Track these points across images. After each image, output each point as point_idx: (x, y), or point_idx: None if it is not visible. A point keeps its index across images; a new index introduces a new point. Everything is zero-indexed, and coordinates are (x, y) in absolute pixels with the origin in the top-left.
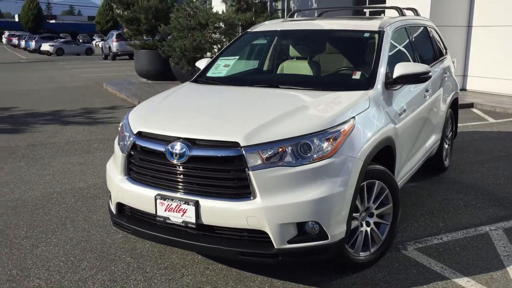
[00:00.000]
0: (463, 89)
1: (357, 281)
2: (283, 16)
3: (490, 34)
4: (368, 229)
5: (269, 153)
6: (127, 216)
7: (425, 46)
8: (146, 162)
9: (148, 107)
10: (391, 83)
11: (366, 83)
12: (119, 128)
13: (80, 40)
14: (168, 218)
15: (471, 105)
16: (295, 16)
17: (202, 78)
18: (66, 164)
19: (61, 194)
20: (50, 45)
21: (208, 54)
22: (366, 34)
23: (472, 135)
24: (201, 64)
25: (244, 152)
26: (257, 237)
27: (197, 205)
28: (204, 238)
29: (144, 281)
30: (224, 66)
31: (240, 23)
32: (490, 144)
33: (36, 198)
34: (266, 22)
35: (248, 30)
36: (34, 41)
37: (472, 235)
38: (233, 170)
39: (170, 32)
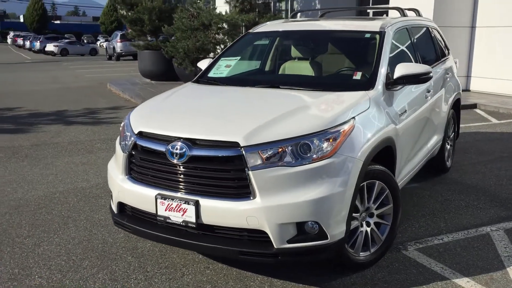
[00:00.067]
0: (467, 89)
1: (356, 281)
2: (287, 17)
3: (494, 34)
4: (368, 229)
5: (269, 153)
6: (128, 216)
7: (427, 47)
8: (147, 162)
9: (149, 107)
10: (392, 84)
11: (367, 84)
12: (120, 128)
13: (85, 41)
14: (169, 218)
15: (474, 106)
16: (298, 16)
17: (204, 79)
18: (69, 164)
19: (63, 194)
20: (54, 46)
21: (211, 54)
22: (367, 35)
23: (474, 136)
24: (202, 64)
25: (244, 152)
26: (257, 236)
27: (197, 204)
28: (204, 237)
29: (144, 280)
30: (225, 67)
31: (243, 24)
32: (492, 144)
33: (38, 198)
34: (268, 22)
35: (250, 30)
36: (38, 41)
37: (473, 236)
38: (233, 170)
39: (173, 33)
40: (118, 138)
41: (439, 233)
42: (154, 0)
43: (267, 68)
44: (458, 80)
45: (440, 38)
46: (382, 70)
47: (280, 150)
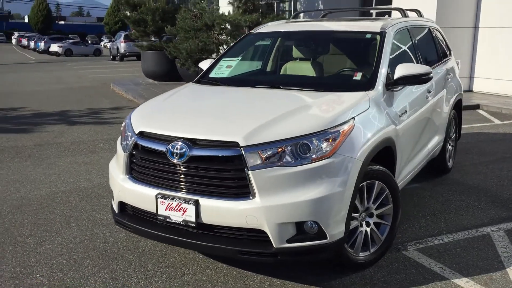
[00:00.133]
0: (470, 90)
1: (356, 281)
2: (290, 17)
3: (497, 35)
4: (368, 229)
5: (269, 153)
6: (129, 215)
7: (428, 47)
8: (147, 162)
9: (150, 107)
10: (392, 84)
11: (367, 84)
12: (121, 128)
13: (89, 41)
14: (169, 217)
15: (477, 107)
16: (301, 17)
17: (205, 79)
18: (72, 164)
19: (66, 193)
20: (59, 46)
21: (214, 55)
22: (368, 35)
23: (477, 137)
24: (204, 65)
25: (243, 152)
26: (256, 236)
27: (197, 204)
28: (204, 237)
29: (145, 279)
30: (226, 67)
31: (246, 25)
32: (494, 145)
33: (41, 197)
34: (269, 23)
35: (251, 31)
36: (43, 42)
37: (473, 236)
38: (232, 170)
39: (176, 33)
40: (119, 138)
41: (440, 233)
42: (157, 0)
43: (268, 68)
44: (459, 81)
45: (441, 39)
46: (383, 71)
47: (279, 150)
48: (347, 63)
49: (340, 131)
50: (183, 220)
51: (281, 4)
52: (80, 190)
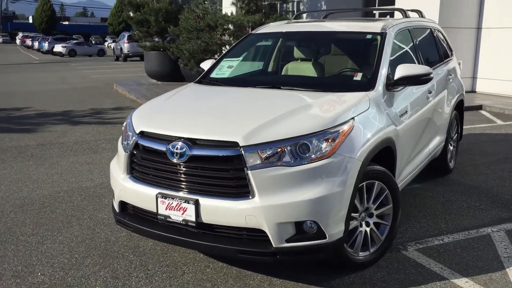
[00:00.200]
0: (473, 91)
1: (355, 280)
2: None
3: (500, 36)
4: (368, 229)
5: (268, 153)
6: (130, 214)
7: (429, 48)
8: (148, 161)
9: (151, 107)
10: (392, 85)
11: (367, 84)
12: (123, 128)
13: (93, 42)
14: (169, 217)
15: (479, 107)
16: (303, 17)
17: (206, 79)
18: (74, 163)
19: (68, 193)
20: (62, 47)
21: (217, 55)
22: (369, 36)
23: (479, 137)
24: (205, 65)
25: (243, 152)
26: (256, 235)
27: (197, 203)
28: (204, 236)
29: (145, 278)
30: (227, 67)
31: (249, 25)
32: (496, 146)
33: (43, 197)
34: (271, 23)
35: (252, 31)
36: (47, 42)
37: (473, 237)
38: (232, 170)
39: (179, 34)
40: (121, 137)
41: (440, 233)
42: (160, 1)
43: (269, 69)
44: (461, 81)
45: (443, 39)
46: (383, 71)
47: (279, 150)
48: (348, 64)
49: (340, 131)
50: (183, 220)
51: (284, 5)
52: (82, 189)
